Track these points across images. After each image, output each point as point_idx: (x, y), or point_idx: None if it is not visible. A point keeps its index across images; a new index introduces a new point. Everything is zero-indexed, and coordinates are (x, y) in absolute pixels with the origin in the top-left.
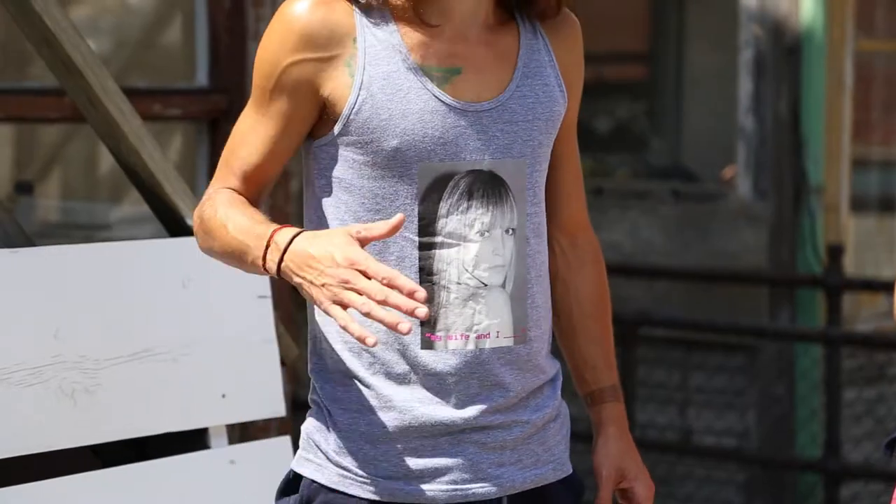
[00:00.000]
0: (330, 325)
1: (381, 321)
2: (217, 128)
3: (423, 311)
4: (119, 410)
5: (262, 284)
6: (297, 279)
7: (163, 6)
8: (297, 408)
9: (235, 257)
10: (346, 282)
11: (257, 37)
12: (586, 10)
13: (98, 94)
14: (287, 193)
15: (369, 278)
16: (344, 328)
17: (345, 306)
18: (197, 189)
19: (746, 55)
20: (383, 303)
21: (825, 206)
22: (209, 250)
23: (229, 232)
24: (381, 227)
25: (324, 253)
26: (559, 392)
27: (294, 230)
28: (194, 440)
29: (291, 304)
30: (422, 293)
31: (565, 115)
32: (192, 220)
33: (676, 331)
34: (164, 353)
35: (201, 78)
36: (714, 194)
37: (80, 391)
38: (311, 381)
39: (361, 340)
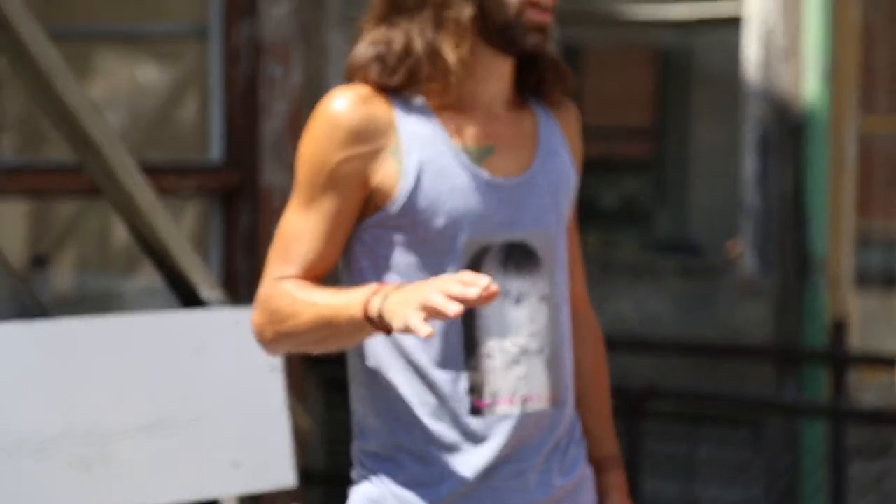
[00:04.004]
0: (379, 400)
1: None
2: (231, 202)
3: (474, 289)
4: (131, 481)
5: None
6: (390, 309)
7: (179, 84)
8: (307, 478)
9: (324, 325)
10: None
11: (271, 114)
12: (594, 87)
13: (115, 169)
14: None
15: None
16: (407, 325)
17: (427, 315)
18: (210, 262)
19: (751, 133)
20: (449, 296)
21: (829, 281)
22: (284, 336)
23: (318, 304)
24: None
25: (425, 285)
26: (585, 455)
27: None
28: None
29: (302, 376)
30: (484, 279)
31: None
32: (253, 322)
33: (683, 404)
34: (176, 425)
35: (215, 154)
36: (719, 269)
37: (93, 462)
38: (357, 461)
39: (417, 331)
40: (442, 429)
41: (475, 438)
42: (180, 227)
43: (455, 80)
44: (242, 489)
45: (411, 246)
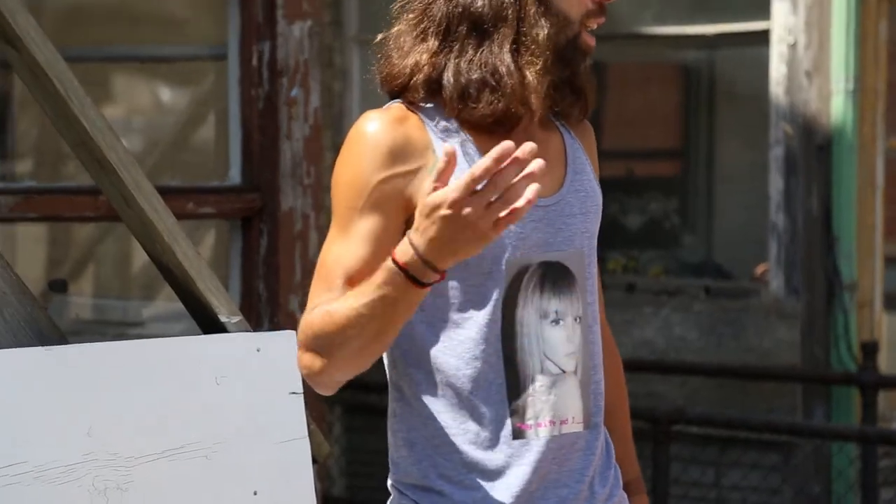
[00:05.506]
0: (417, 430)
1: (521, 201)
2: (250, 226)
3: (537, 163)
4: None
5: (295, 381)
6: (437, 241)
7: (196, 106)
8: None
9: (377, 314)
10: (474, 212)
11: (290, 136)
12: (620, 109)
13: (133, 192)
14: None
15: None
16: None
17: (499, 226)
18: (230, 286)
19: (777, 152)
20: (511, 191)
21: (858, 302)
22: (334, 354)
23: (357, 306)
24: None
25: (429, 214)
26: (620, 479)
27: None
28: None
29: (322, 402)
30: (529, 147)
31: None
32: (299, 360)
33: (710, 428)
34: (197, 451)
35: (234, 176)
36: (746, 291)
37: (113, 489)
38: (396, 491)
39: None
40: (483, 454)
41: (517, 462)
42: (199, 251)
43: (535, 104)
44: None
45: (452, 270)
